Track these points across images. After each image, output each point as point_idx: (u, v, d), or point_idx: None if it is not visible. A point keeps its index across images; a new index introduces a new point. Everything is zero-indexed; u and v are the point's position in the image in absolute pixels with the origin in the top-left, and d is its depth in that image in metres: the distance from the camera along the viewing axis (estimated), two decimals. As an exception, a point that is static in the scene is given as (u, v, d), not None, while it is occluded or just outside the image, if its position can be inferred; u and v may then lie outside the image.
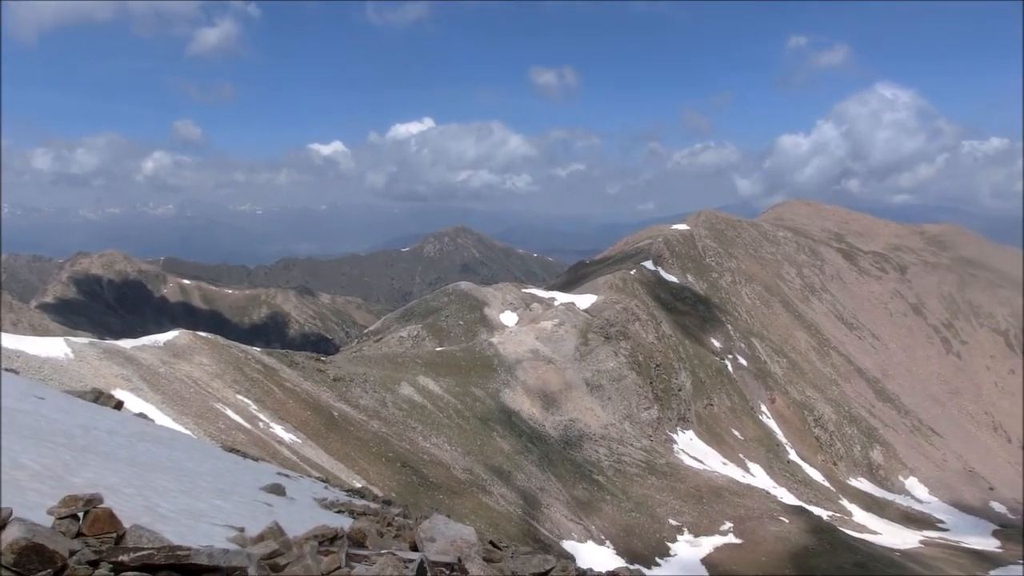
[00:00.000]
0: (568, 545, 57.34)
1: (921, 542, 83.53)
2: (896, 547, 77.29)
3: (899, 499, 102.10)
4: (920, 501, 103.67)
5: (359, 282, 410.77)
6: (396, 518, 11.60)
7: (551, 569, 7.11)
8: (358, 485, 35.51)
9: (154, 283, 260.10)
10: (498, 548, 8.62)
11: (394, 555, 6.76)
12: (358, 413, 58.20)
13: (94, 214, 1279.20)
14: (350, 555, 7.14)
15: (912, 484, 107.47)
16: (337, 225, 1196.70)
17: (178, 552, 4.96)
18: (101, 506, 5.48)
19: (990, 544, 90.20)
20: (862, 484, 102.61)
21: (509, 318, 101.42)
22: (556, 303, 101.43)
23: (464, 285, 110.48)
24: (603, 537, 61.67)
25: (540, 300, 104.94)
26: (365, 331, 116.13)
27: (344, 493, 16.51)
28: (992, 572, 71.99)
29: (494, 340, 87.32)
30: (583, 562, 50.78)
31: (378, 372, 68.91)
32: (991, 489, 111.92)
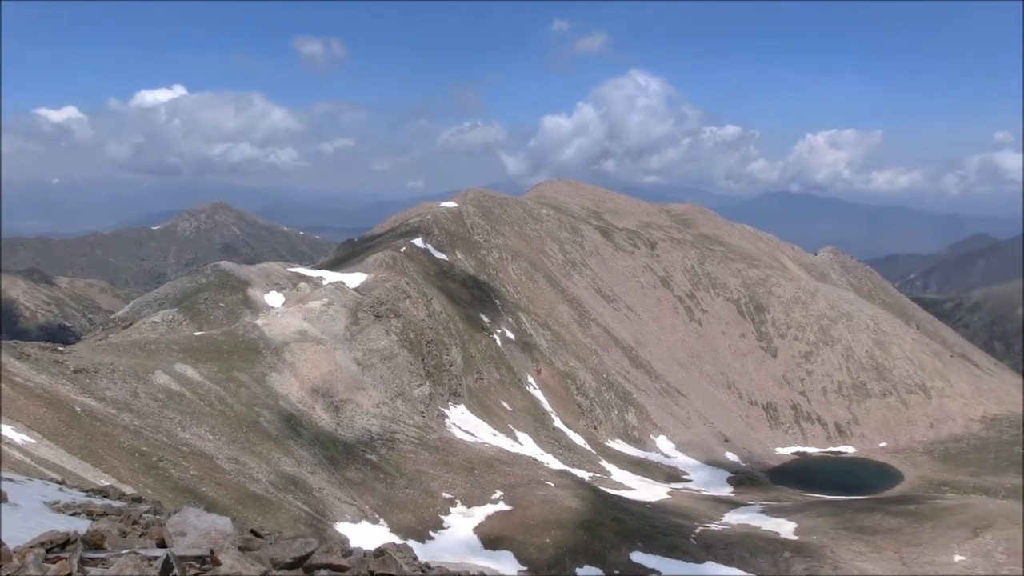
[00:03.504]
0: (342, 527, 56.47)
1: (668, 494, 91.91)
2: (648, 500, 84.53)
3: (651, 456, 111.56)
4: (668, 457, 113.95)
5: (103, 264, 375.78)
6: (144, 516, 10.58)
7: (313, 551, 6.77)
8: (105, 484, 32.43)
9: None
10: (259, 536, 8.09)
11: (136, 554, 6.09)
12: (105, 406, 53.06)
13: None
14: (85, 559, 6.35)
15: (662, 442, 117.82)
16: (73, 200, 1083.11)
17: None
18: None
19: (726, 490, 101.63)
20: (619, 445, 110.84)
21: (275, 299, 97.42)
22: (325, 282, 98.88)
23: (224, 265, 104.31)
24: (377, 516, 61.43)
25: (308, 279, 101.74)
26: (111, 317, 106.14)
27: (83, 494, 14.87)
28: (727, 513, 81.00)
29: (259, 322, 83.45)
30: (357, 542, 50.26)
31: (128, 361, 63.24)
32: (727, 441, 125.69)
